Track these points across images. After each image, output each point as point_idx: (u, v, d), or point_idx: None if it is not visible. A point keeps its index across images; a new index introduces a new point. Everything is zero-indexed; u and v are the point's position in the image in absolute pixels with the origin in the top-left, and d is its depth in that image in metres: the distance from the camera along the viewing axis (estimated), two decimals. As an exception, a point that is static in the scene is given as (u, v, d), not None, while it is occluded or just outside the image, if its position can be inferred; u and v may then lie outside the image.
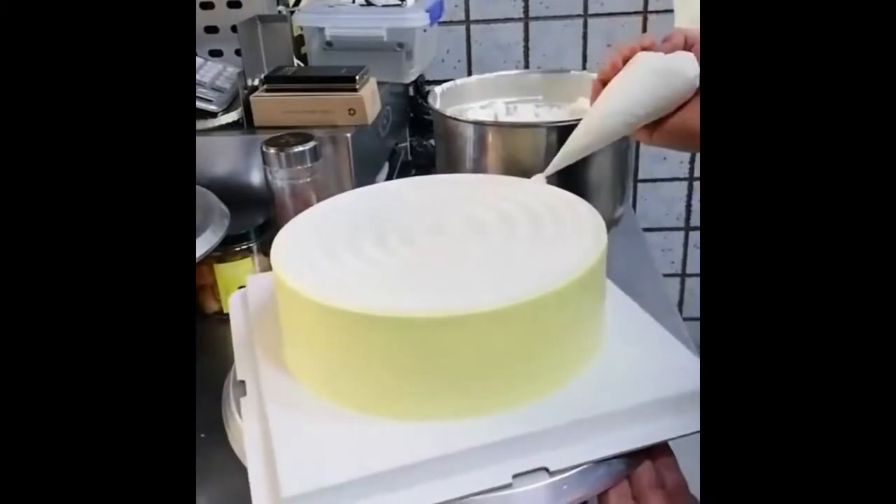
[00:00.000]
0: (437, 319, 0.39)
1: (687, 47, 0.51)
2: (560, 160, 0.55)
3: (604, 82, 0.53)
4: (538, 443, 0.40)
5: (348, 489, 0.37)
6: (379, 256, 0.45)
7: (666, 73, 0.49)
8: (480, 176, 0.59)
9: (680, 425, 0.41)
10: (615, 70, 0.52)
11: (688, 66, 0.49)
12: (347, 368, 0.42)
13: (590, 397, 0.42)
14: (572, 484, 0.39)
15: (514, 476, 0.39)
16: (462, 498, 0.38)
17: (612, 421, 0.41)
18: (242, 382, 0.47)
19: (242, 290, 0.57)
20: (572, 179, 0.54)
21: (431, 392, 0.41)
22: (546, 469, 0.39)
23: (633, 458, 0.41)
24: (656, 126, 0.52)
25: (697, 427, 0.38)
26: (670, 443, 0.42)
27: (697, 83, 0.49)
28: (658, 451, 0.42)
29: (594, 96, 0.53)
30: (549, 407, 0.41)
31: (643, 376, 0.44)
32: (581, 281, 0.42)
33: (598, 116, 0.52)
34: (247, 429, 0.43)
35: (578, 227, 0.47)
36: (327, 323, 0.42)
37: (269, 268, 0.77)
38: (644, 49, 0.51)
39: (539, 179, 0.54)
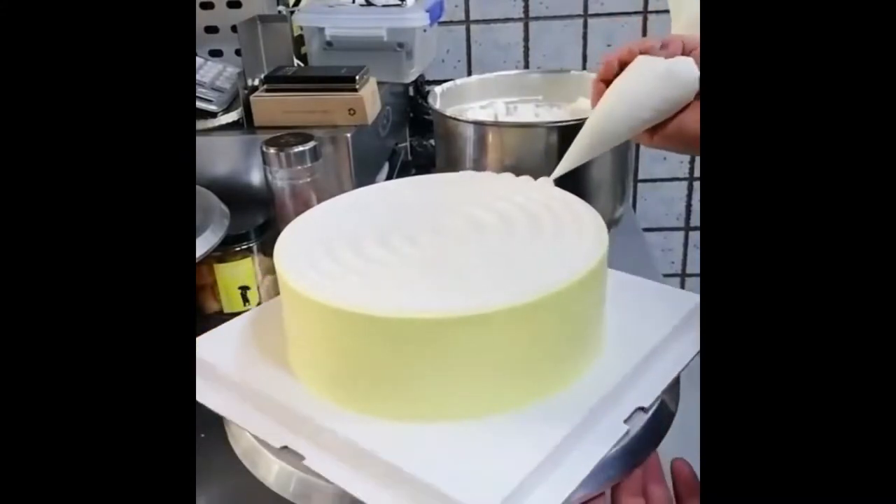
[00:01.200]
0: (440, 320, 0.39)
1: (685, 53, 0.51)
2: (565, 165, 0.55)
3: (605, 83, 0.53)
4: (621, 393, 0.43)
5: (521, 492, 0.36)
6: (380, 257, 0.45)
7: (668, 76, 0.49)
8: (480, 175, 0.59)
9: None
10: (610, 69, 0.52)
11: (689, 70, 0.49)
12: (353, 369, 0.42)
13: (610, 374, 0.44)
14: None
15: (625, 421, 0.42)
16: (603, 458, 0.40)
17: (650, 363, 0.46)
18: (286, 448, 0.42)
19: None
20: (572, 179, 0.54)
21: (433, 392, 0.41)
22: (642, 408, 0.43)
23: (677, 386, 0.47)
24: (656, 129, 0.52)
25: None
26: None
27: (698, 87, 0.50)
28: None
29: (595, 97, 0.53)
30: (558, 402, 0.42)
31: (654, 319, 0.49)
32: (583, 281, 0.42)
33: (601, 119, 0.52)
34: (342, 482, 0.39)
35: (578, 227, 0.47)
36: (331, 323, 0.42)
37: (269, 268, 0.77)
38: (642, 52, 0.52)
39: (546, 182, 0.55)
